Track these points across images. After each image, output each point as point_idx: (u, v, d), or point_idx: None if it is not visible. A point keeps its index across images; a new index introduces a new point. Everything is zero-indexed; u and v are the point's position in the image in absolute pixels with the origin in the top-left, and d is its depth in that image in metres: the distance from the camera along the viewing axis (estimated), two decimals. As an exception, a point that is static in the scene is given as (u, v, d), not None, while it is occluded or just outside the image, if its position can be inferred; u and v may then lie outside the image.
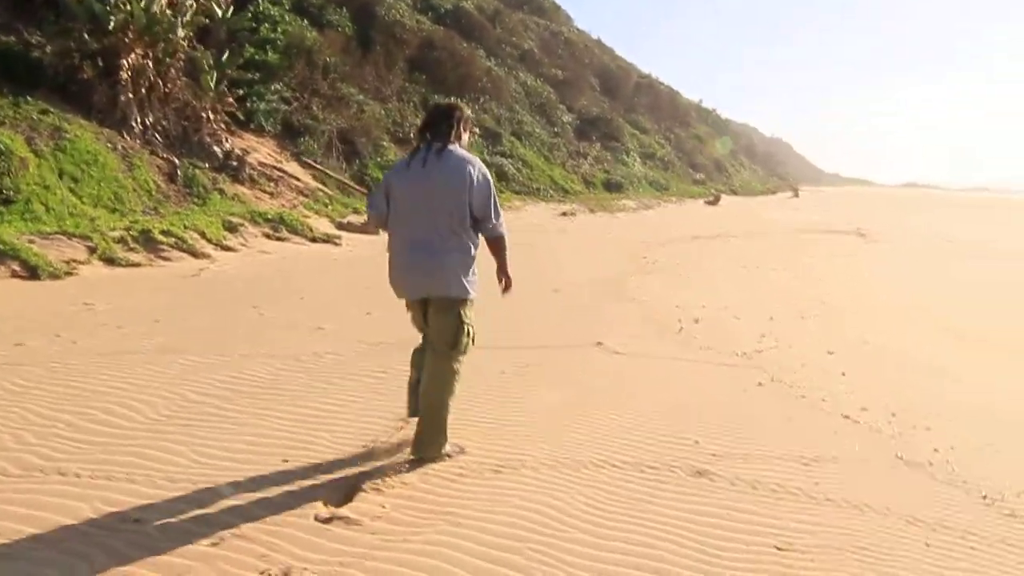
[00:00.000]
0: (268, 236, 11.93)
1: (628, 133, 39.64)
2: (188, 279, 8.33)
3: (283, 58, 17.28)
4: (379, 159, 18.96)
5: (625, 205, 26.49)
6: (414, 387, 3.56)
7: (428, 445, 3.40)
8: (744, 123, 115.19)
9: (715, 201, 34.64)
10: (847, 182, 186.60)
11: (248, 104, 16.31)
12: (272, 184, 14.72)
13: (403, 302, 3.55)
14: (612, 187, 31.10)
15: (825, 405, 4.79)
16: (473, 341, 3.42)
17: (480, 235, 3.41)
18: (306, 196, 15.16)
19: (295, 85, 17.68)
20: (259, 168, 14.90)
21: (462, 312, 3.34)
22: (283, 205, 14.13)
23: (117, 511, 2.80)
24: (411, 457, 3.41)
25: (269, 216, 12.37)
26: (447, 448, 3.44)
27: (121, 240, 9.59)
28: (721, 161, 57.25)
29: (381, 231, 3.55)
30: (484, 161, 3.91)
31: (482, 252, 3.39)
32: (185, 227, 10.54)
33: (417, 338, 3.61)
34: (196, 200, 12.65)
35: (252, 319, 6.22)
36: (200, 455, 3.34)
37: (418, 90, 23.42)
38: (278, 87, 17.15)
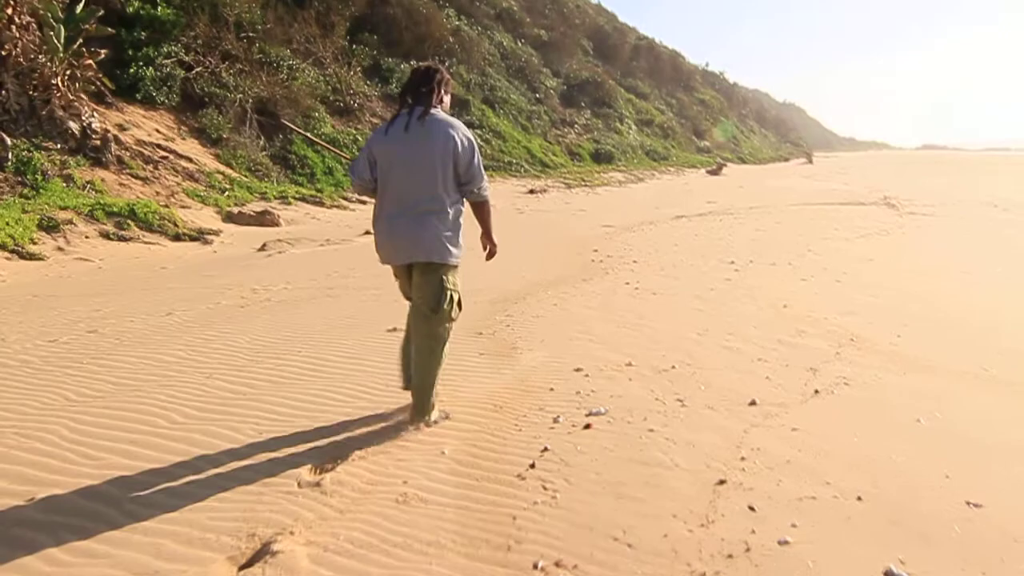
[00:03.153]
0: (107, 236, 9.14)
1: (623, 98, 36.37)
2: None
3: (179, 14, 14.35)
4: (310, 133, 16.06)
5: (611, 178, 23.40)
6: (406, 366, 3.56)
7: (416, 412, 3.41)
8: (755, 88, 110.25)
9: (717, 171, 31.41)
10: (863, 146, 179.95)
11: (133, 70, 13.47)
12: (150, 168, 11.90)
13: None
14: (601, 158, 28.01)
15: None
16: (459, 306, 3.39)
17: (465, 199, 3.38)
18: (195, 181, 12.34)
19: (198, 47, 14.76)
20: (135, 148, 12.08)
21: (444, 277, 3.30)
22: (158, 193, 11.32)
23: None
24: (403, 422, 3.40)
25: (115, 209, 9.57)
26: (433, 416, 3.43)
27: None
28: (728, 125, 53.72)
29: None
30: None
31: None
32: (-36, 230, 7.78)
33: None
34: (27, 190, 9.88)
35: None
36: None
37: (368, 52, 20.39)
38: (174, 49, 14.25)
